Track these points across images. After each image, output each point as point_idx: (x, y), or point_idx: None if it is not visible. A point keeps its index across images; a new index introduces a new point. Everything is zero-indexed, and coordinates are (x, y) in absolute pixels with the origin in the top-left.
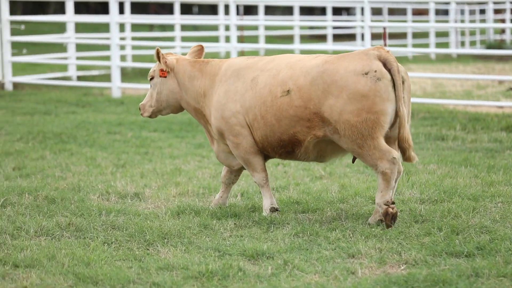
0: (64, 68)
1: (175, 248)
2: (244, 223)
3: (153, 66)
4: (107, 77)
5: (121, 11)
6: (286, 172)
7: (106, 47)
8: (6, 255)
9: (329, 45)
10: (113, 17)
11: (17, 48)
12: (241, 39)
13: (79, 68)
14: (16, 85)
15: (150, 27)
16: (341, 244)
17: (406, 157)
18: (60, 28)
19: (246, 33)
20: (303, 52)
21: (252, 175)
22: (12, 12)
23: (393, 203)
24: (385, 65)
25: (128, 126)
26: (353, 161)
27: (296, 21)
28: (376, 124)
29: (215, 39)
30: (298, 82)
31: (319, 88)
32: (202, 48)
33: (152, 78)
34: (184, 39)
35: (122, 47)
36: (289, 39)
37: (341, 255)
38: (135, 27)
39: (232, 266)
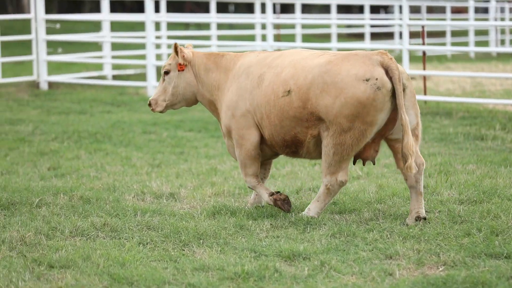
0: (99, 67)
1: (211, 249)
2: (281, 223)
3: (167, 60)
4: (142, 76)
5: (157, 9)
6: None
7: (142, 46)
8: (41, 256)
9: (367, 43)
10: (148, 16)
11: (52, 47)
12: (277, 38)
13: (115, 67)
14: (51, 85)
15: (186, 26)
16: (378, 245)
17: (407, 166)
18: (95, 26)
19: (283, 31)
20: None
21: (243, 176)
22: (48, 11)
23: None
24: (387, 72)
25: (163, 125)
26: (373, 163)
27: (334, 19)
28: (362, 135)
29: (251, 38)
30: (299, 82)
31: (318, 88)
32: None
33: (167, 72)
34: (220, 37)
35: (158, 46)
36: (326, 37)
37: (379, 256)
38: (171, 25)
39: (268, 267)
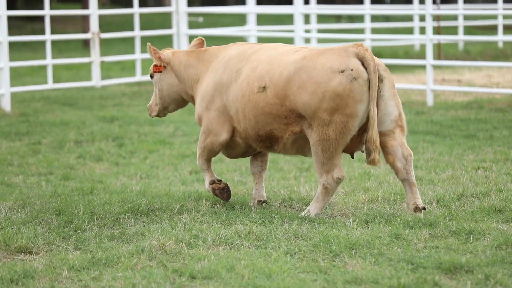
0: None
1: (364, 260)
2: (440, 233)
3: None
4: None
5: (306, 1)
6: (487, 177)
7: (290, 40)
8: (183, 266)
9: None
10: (297, 8)
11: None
12: (437, 31)
13: None
14: None
15: (338, 18)
16: None
17: (370, 159)
18: (240, 20)
19: (443, 23)
20: (507, 44)
21: (197, 156)
22: (190, 3)
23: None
24: (362, 63)
25: None
26: (362, 151)
27: (500, 9)
28: (344, 128)
29: (409, 31)
30: (274, 78)
31: (295, 85)
32: (202, 41)
33: (152, 76)
34: (374, 30)
35: (307, 40)
36: (491, 29)
37: None
38: (321, 18)
39: (426, 281)
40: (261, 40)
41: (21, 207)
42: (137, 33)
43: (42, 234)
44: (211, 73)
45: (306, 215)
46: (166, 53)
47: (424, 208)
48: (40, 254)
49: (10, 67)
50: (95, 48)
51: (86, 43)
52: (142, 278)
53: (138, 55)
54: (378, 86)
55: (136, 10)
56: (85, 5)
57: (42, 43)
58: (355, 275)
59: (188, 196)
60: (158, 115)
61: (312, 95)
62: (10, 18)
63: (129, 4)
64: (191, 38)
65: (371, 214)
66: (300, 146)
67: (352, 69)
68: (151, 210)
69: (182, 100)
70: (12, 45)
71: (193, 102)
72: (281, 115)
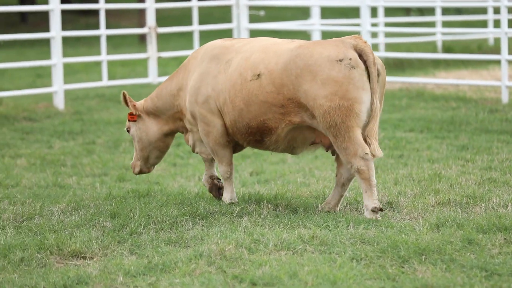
0: None
1: (434, 266)
2: None
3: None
4: None
5: None
6: None
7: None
8: (243, 271)
9: None
10: (364, 0)
11: (256, 36)
12: None
13: None
14: None
15: (407, 11)
16: None
17: (370, 150)
18: (303, 13)
19: None
20: None
21: (218, 165)
22: None
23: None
24: (360, 56)
25: (380, 125)
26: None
27: None
28: (349, 111)
29: (483, 24)
30: (270, 66)
31: (292, 73)
32: None
33: (128, 131)
34: (445, 24)
35: (374, 34)
36: None
37: None
38: (389, 11)
39: None
40: (325, 34)
41: (75, 209)
42: (195, 27)
43: (97, 238)
44: (196, 69)
45: (367, 214)
46: (138, 102)
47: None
48: (95, 259)
49: (63, 63)
50: (152, 43)
51: (142, 38)
52: (200, 284)
53: None
54: None
55: (194, 3)
56: None
57: (97, 38)
58: (425, 282)
59: (249, 198)
60: (141, 171)
61: (312, 83)
62: (63, 12)
63: None
64: (252, 32)
65: (442, 218)
66: (292, 139)
67: (350, 59)
68: (210, 213)
69: (164, 140)
70: (65, 40)
71: (181, 117)
72: (277, 104)
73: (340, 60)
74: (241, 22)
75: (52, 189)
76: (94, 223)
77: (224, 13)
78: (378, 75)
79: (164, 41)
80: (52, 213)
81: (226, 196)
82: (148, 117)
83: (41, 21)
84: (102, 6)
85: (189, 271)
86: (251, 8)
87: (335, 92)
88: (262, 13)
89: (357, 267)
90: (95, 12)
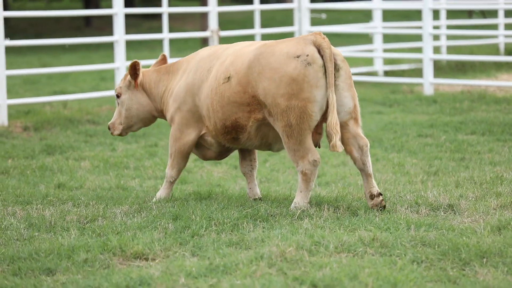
0: (369, 62)
1: (496, 269)
2: None
3: (118, 83)
4: (418, 72)
5: None
6: None
7: (418, 37)
8: (303, 273)
9: None
10: (426, 3)
11: None
12: None
13: (387, 62)
14: None
15: (469, 13)
16: None
17: (332, 145)
18: (365, 16)
19: None
20: None
21: (168, 167)
22: None
23: None
24: (319, 51)
25: (441, 128)
26: (318, 146)
27: None
28: (303, 113)
29: None
30: (237, 67)
31: (255, 71)
32: (165, 57)
33: (118, 96)
34: (508, 26)
35: (436, 37)
36: None
37: None
38: (451, 13)
39: None
40: (387, 37)
41: (137, 211)
42: (257, 30)
43: (159, 240)
44: (183, 75)
45: (294, 208)
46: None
47: (381, 194)
48: (157, 260)
49: (126, 66)
50: None
51: (204, 42)
52: (261, 286)
53: None
54: (334, 75)
55: (256, 6)
56: (204, 2)
57: (160, 41)
58: (486, 285)
59: (309, 200)
60: (120, 134)
61: (270, 80)
62: (127, 16)
63: (250, 1)
64: None
65: (503, 221)
66: (264, 135)
67: (307, 55)
68: (271, 215)
69: (151, 119)
70: (129, 44)
71: (164, 117)
72: (244, 103)
73: (298, 56)
74: (302, 25)
75: (115, 191)
76: (156, 225)
77: (286, 17)
78: (339, 69)
79: None
80: (115, 215)
81: (162, 193)
82: (142, 93)
83: (105, 25)
84: (165, 10)
85: (250, 272)
86: (313, 11)
87: (292, 91)
88: (323, 16)
89: (418, 269)
90: (158, 16)
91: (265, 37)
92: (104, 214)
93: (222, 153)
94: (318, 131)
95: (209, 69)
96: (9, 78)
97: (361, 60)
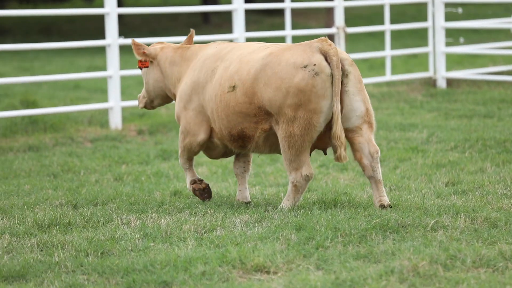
0: (510, 60)
1: None
2: None
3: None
4: None
5: None
6: None
7: None
8: None
9: None
10: None
11: (452, 36)
12: None
13: None
14: (450, 82)
15: None
16: None
17: (337, 156)
18: (506, 10)
19: None
20: None
21: (179, 155)
22: None
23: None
24: (326, 58)
25: None
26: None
27: None
28: (308, 124)
29: None
30: (242, 77)
31: (262, 82)
32: (191, 34)
33: (141, 68)
34: None
35: None
36: None
37: None
38: None
39: None
40: None
41: (258, 221)
42: (387, 26)
43: (281, 252)
44: (190, 72)
45: (284, 209)
46: (154, 47)
47: (390, 206)
48: (279, 274)
49: None
50: (340, 44)
51: (330, 39)
52: None
53: (388, 52)
54: (343, 81)
55: (386, 1)
56: None
57: (282, 39)
58: None
59: (444, 211)
60: (145, 107)
61: (277, 91)
62: (247, 12)
63: None
64: (448, 31)
65: None
66: (273, 144)
67: (314, 64)
68: (402, 226)
69: (166, 96)
70: (249, 41)
71: (175, 100)
72: (250, 114)
73: (305, 67)
74: (436, 20)
75: (234, 199)
76: (278, 235)
77: (418, 11)
78: (348, 74)
79: (353, 42)
80: (234, 224)
81: (187, 182)
82: (158, 68)
83: (224, 22)
84: (287, 5)
85: None
86: (447, 5)
87: (299, 102)
88: (460, 10)
89: None
90: (281, 12)
91: (395, 33)
92: (222, 224)
93: (227, 153)
94: (330, 136)
95: (213, 69)
96: (123, 78)
97: (500, 57)
